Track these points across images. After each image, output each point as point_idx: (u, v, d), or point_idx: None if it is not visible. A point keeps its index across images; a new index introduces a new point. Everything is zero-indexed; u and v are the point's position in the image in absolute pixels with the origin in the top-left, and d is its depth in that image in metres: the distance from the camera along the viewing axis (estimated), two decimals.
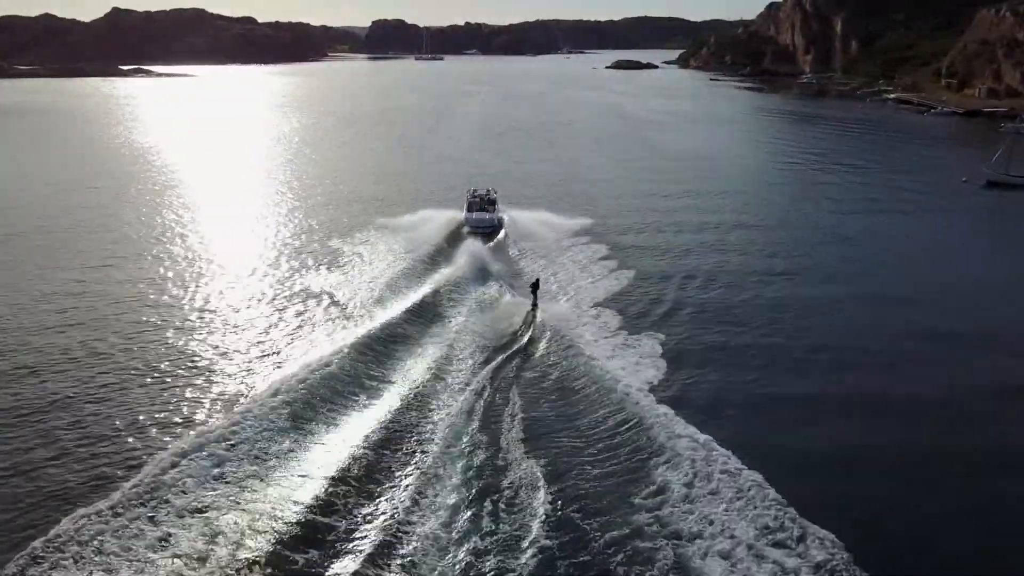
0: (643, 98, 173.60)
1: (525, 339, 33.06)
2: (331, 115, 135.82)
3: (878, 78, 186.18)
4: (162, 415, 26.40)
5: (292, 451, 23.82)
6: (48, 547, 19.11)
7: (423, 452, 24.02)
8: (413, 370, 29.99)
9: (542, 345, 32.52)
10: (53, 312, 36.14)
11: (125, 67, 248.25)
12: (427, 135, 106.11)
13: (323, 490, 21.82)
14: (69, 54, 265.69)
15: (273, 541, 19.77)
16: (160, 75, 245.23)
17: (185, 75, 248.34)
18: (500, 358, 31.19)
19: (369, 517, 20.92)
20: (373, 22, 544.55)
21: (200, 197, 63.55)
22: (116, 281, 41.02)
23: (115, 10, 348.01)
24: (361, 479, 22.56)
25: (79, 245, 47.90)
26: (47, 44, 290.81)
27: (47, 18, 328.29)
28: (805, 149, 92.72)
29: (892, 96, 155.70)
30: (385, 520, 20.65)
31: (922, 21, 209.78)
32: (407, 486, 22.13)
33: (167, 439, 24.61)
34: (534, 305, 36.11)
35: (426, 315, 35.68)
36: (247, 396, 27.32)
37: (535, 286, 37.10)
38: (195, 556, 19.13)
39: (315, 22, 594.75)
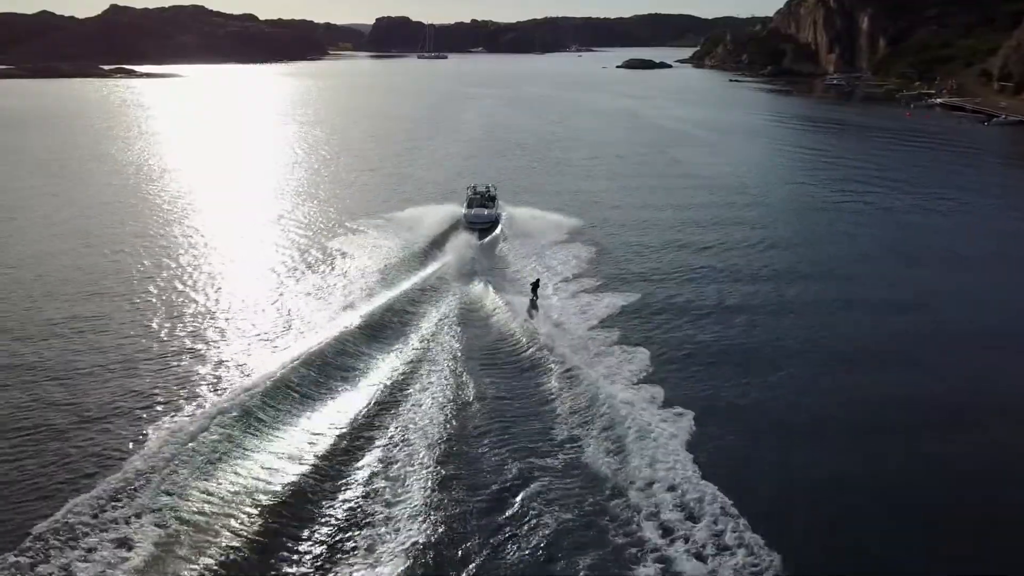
0: (660, 102, 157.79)
1: (522, 336, 32.80)
2: (303, 124, 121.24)
3: (914, 80, 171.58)
4: (147, 402, 26.98)
5: (269, 438, 24.31)
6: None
7: (393, 443, 24.25)
8: (392, 360, 30.42)
9: (528, 343, 32.05)
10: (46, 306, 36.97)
11: (106, 67, 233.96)
12: (412, 154, 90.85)
13: (300, 475, 22.31)
14: (60, 53, 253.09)
15: (250, 525, 20.11)
16: (143, 75, 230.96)
17: (171, 75, 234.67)
18: (479, 352, 31.45)
19: (334, 509, 21.08)
20: (377, 19, 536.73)
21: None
22: (116, 275, 42.06)
23: (113, 7, 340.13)
24: (330, 467, 22.89)
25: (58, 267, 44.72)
26: (38, 42, 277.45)
27: (44, 15, 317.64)
28: (863, 170, 77.49)
29: (939, 101, 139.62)
30: (351, 510, 20.99)
31: (956, 18, 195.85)
32: (379, 473, 22.59)
33: (154, 424, 25.25)
34: (533, 304, 36.35)
35: (410, 307, 36.24)
36: (219, 388, 27.81)
37: (535, 285, 37.81)
38: (167, 545, 19.24)
39: (319, 19, 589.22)
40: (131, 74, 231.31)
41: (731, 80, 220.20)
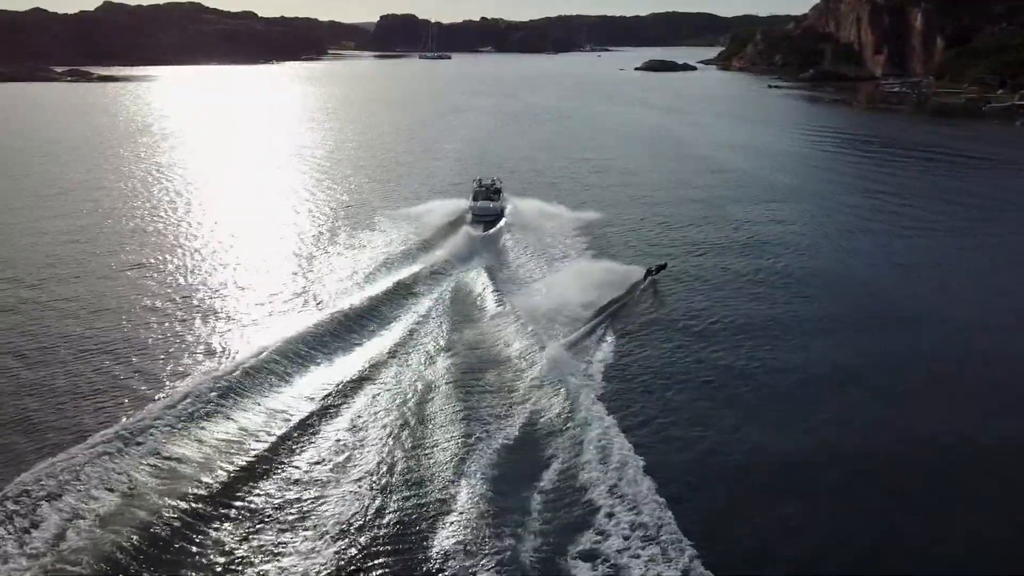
0: (694, 116, 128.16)
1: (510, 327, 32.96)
2: (199, 167, 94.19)
3: (995, 87, 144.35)
4: (147, 374, 28.61)
5: (252, 412, 25.88)
6: None
7: (364, 426, 25.34)
8: (375, 346, 31.29)
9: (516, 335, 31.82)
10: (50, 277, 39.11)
11: (59, 68, 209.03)
12: (363, 208, 63.97)
13: (277, 447, 23.94)
14: (41, 52, 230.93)
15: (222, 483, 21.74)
16: (101, 78, 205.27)
17: (130, 78, 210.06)
18: (461, 339, 31.98)
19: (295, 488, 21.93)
20: (381, 17, 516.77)
21: None
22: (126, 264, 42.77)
23: (107, 4, 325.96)
24: (295, 444, 24.14)
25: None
26: (26, 41, 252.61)
27: (36, 13, 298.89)
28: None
29: None
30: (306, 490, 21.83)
31: None
32: (342, 453, 23.73)
33: (153, 390, 27.28)
34: (644, 282, 37.53)
35: (404, 295, 36.80)
36: (199, 371, 28.88)
37: (660, 268, 39.26)
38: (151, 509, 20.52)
39: (323, 17, 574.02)
40: (85, 77, 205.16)
41: (770, 86, 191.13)
